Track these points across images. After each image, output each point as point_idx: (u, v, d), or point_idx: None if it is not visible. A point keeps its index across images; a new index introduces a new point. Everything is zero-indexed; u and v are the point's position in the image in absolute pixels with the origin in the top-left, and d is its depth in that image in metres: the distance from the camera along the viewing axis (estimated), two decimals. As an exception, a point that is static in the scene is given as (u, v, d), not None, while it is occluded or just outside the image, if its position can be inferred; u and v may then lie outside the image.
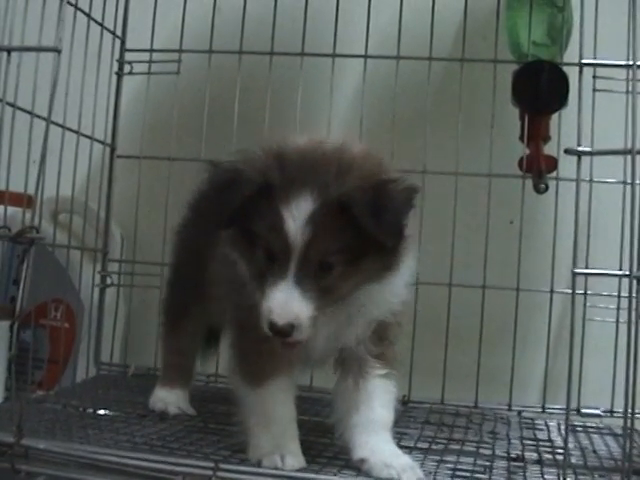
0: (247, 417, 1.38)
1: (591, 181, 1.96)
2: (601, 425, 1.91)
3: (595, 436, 1.82)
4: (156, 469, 1.25)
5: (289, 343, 1.26)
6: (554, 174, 1.97)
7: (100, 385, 1.98)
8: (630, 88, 1.89)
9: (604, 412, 1.93)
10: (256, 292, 1.29)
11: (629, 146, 1.23)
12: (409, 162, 1.98)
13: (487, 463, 1.50)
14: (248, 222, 1.27)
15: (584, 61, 1.37)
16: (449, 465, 1.46)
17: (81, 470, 1.29)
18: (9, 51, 1.39)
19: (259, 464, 1.31)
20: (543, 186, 1.93)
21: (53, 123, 1.68)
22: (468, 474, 1.41)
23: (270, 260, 1.25)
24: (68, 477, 1.30)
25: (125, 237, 2.22)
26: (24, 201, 1.56)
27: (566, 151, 1.28)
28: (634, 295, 1.18)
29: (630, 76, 1.66)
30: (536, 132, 1.97)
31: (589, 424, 1.91)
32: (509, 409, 1.98)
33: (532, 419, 1.94)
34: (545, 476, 1.44)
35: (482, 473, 1.42)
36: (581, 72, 1.33)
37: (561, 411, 1.96)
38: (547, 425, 1.89)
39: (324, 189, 1.23)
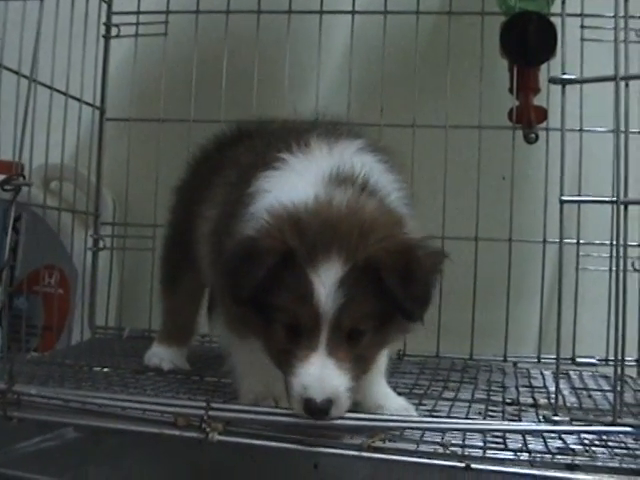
0: (237, 367, 1.38)
1: (581, 130, 1.96)
2: (597, 373, 1.91)
3: (590, 382, 1.83)
4: (148, 410, 1.25)
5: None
6: (544, 125, 1.96)
7: (95, 347, 1.98)
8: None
9: (599, 360, 1.93)
10: (279, 370, 1.23)
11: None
12: (399, 117, 2.00)
13: (482, 406, 1.50)
14: (266, 296, 1.19)
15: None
16: (444, 408, 1.46)
17: (73, 415, 1.29)
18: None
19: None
20: (533, 136, 1.93)
21: (40, 83, 1.71)
22: (463, 416, 1.41)
23: (294, 333, 1.18)
24: (60, 422, 1.32)
25: (116, 200, 2.21)
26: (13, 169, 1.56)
27: (551, 80, 1.27)
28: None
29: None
30: (525, 83, 1.96)
31: (585, 373, 1.91)
32: (504, 360, 1.99)
33: (528, 369, 1.95)
34: (540, 417, 1.43)
35: (478, 414, 1.43)
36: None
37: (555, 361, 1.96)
38: (542, 374, 1.90)
39: (351, 252, 1.17)
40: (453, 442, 1.19)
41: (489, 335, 1.99)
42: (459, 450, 1.18)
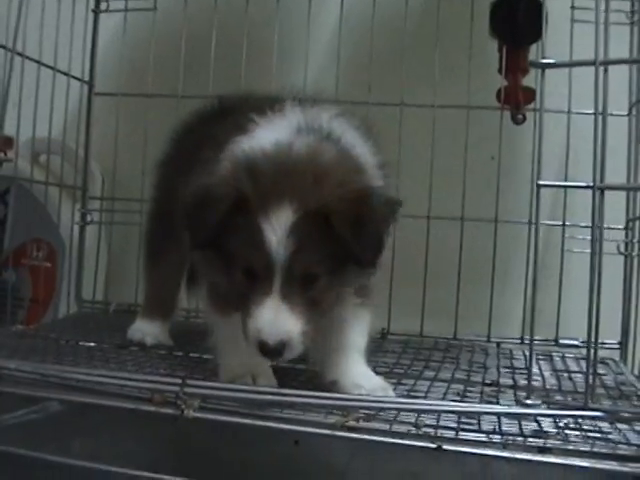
0: (218, 344, 1.39)
1: (569, 112, 1.96)
2: (579, 356, 1.92)
3: (572, 364, 1.83)
4: (124, 386, 1.25)
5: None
6: (532, 106, 1.96)
7: (80, 321, 2.00)
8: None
9: (582, 342, 1.94)
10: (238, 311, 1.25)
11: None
12: (387, 95, 2.00)
13: (461, 387, 1.50)
14: (223, 241, 1.22)
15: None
16: (422, 389, 1.47)
17: (51, 390, 1.30)
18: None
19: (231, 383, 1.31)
20: (521, 117, 1.93)
21: (22, 55, 1.71)
22: (440, 397, 1.42)
23: (251, 278, 1.21)
24: (39, 397, 1.33)
25: (105, 175, 2.21)
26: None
27: (531, 64, 1.27)
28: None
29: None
30: (514, 64, 1.96)
31: (568, 355, 1.92)
32: (488, 341, 1.99)
33: (511, 350, 1.95)
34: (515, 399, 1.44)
35: (456, 396, 1.43)
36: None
37: (540, 342, 1.97)
38: (525, 355, 1.90)
39: (303, 199, 1.18)
40: (427, 423, 1.20)
41: (474, 315, 1.99)
42: (432, 431, 1.18)
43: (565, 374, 1.71)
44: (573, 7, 1.95)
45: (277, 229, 1.18)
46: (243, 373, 1.32)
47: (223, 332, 1.38)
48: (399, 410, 1.22)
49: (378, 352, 1.81)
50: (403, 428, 1.19)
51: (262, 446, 1.42)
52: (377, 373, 1.49)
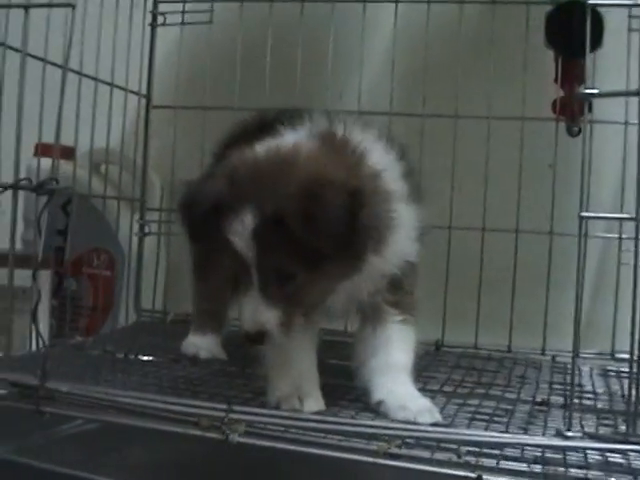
0: (267, 365, 1.41)
1: (626, 123, 1.93)
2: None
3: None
4: (171, 410, 1.28)
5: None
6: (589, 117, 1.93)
7: (138, 331, 2.04)
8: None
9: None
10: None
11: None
12: (441, 107, 1.99)
13: (510, 407, 1.50)
14: (213, 237, 1.30)
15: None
16: (470, 408, 1.47)
17: (102, 412, 1.34)
18: (26, 7, 1.41)
19: (277, 407, 1.34)
20: (576, 129, 1.90)
21: (84, 75, 1.75)
22: (487, 417, 1.41)
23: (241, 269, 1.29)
24: (90, 418, 1.37)
25: (164, 186, 2.25)
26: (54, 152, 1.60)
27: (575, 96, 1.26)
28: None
29: None
30: (570, 74, 1.93)
31: (623, 369, 1.90)
32: (542, 354, 1.97)
33: (565, 364, 1.93)
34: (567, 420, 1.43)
35: (502, 417, 1.43)
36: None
37: (595, 356, 1.96)
38: (579, 370, 1.88)
39: (262, 204, 1.23)
40: (469, 450, 1.21)
41: (529, 327, 1.98)
42: (473, 459, 1.19)
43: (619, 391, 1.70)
44: (630, 16, 1.91)
45: (242, 233, 1.24)
46: (290, 394, 1.35)
47: (273, 355, 1.40)
48: (434, 440, 1.22)
49: (430, 366, 1.82)
50: (444, 456, 1.19)
51: (305, 469, 1.44)
52: (427, 390, 1.52)
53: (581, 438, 1.24)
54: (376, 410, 1.37)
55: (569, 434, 1.24)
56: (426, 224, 1.46)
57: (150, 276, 2.17)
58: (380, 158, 1.35)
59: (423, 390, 1.53)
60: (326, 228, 1.21)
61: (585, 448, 1.22)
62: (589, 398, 1.62)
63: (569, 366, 1.87)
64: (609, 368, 1.90)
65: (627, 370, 1.80)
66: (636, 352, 1.24)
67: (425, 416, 1.33)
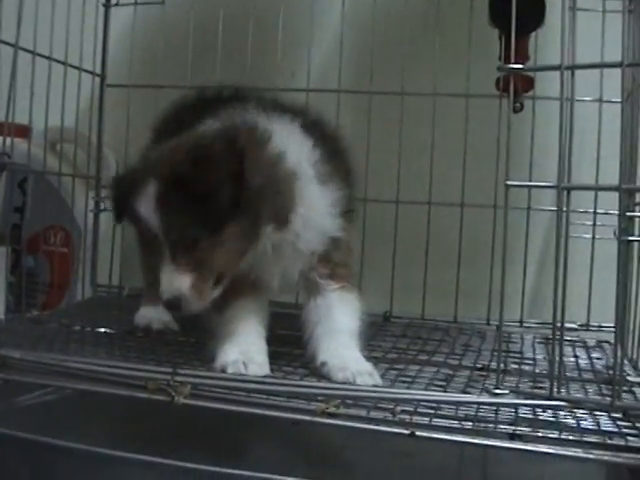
0: (216, 335, 1.47)
1: (571, 99, 1.98)
2: (576, 338, 1.96)
3: (568, 349, 1.87)
4: (120, 375, 1.33)
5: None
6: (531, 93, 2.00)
7: (95, 306, 2.07)
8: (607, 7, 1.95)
9: (580, 326, 1.99)
10: None
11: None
12: (389, 84, 2.05)
13: (450, 372, 1.55)
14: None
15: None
16: (411, 373, 1.52)
17: (54, 377, 1.39)
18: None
19: (223, 371, 1.39)
20: (518, 105, 1.96)
21: (37, 54, 1.78)
22: (427, 381, 1.47)
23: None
24: (41, 384, 1.41)
25: (119, 163, 2.28)
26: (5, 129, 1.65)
27: (498, 68, 1.38)
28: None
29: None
30: (514, 52, 1.98)
31: (565, 337, 1.95)
32: (487, 324, 2.03)
33: (509, 333, 1.99)
34: (504, 384, 1.48)
35: (442, 380, 1.48)
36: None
37: (538, 325, 2.02)
38: (522, 338, 1.95)
39: (159, 175, 1.34)
40: (405, 409, 1.26)
41: (476, 298, 2.03)
42: (407, 418, 1.24)
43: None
44: (571, -5, 1.96)
45: (144, 206, 1.35)
46: (236, 359, 1.40)
47: (221, 326, 1.47)
48: (370, 399, 1.28)
49: (377, 335, 1.88)
50: (380, 415, 1.25)
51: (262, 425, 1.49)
52: (370, 357, 1.57)
53: (507, 395, 1.29)
54: (320, 372, 1.43)
55: (497, 392, 1.29)
56: (351, 203, 1.54)
57: (106, 252, 2.21)
58: (287, 144, 1.43)
59: (367, 358, 1.59)
60: (214, 184, 1.31)
61: (507, 404, 1.29)
62: (528, 364, 1.68)
63: (513, 335, 1.95)
64: (550, 337, 1.95)
65: (567, 339, 1.91)
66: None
67: (364, 377, 1.39)
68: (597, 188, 1.59)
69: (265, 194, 1.37)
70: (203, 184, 1.31)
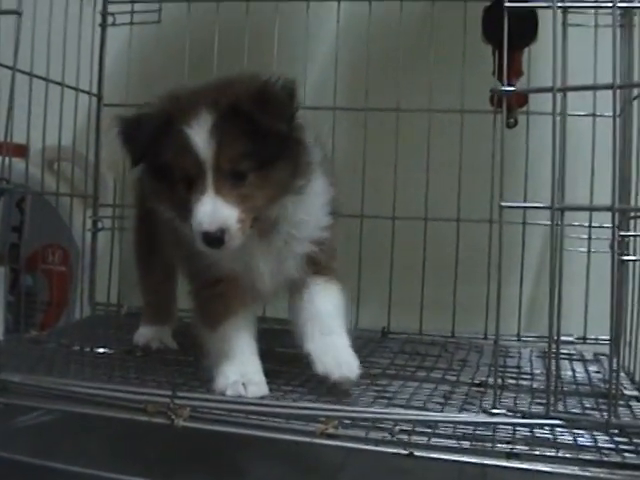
0: (211, 354, 1.50)
1: (563, 114, 1.99)
2: (574, 352, 1.97)
3: (565, 362, 1.89)
4: (119, 398, 1.34)
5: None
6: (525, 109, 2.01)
7: (93, 325, 2.08)
8: (599, 22, 1.96)
9: (577, 339, 2.00)
10: (186, 225, 1.39)
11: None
12: (384, 101, 2.06)
13: (448, 389, 1.57)
14: (160, 157, 1.38)
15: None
16: (409, 390, 1.54)
17: (53, 401, 1.40)
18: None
19: (223, 394, 1.41)
20: (512, 121, 1.96)
21: (34, 76, 1.80)
22: (425, 398, 1.48)
23: (189, 185, 1.36)
24: (42, 407, 1.42)
25: (117, 182, 2.29)
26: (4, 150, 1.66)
27: (491, 91, 1.35)
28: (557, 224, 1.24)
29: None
30: (508, 67, 1.99)
31: (563, 351, 1.97)
32: (485, 338, 2.04)
33: (507, 347, 2.00)
34: (502, 400, 1.49)
35: (440, 398, 1.49)
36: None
37: (536, 339, 2.03)
38: (520, 353, 1.96)
39: (216, 102, 1.35)
40: (403, 428, 1.28)
41: (473, 314, 2.05)
42: (406, 437, 1.26)
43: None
44: (566, 10, 1.98)
45: (199, 132, 1.34)
46: (235, 381, 1.42)
47: (215, 345, 1.49)
48: (368, 420, 1.29)
49: (375, 351, 1.89)
50: (379, 435, 1.27)
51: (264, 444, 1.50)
52: (371, 375, 1.60)
53: (504, 415, 1.30)
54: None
55: (494, 411, 1.30)
56: (338, 207, 1.58)
57: (105, 270, 2.22)
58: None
59: (365, 375, 1.60)
60: (277, 106, 1.36)
61: (503, 423, 1.29)
62: (526, 379, 1.69)
63: (510, 349, 1.96)
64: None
65: (565, 352, 1.92)
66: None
67: (342, 369, 1.44)
68: (590, 209, 1.61)
69: (304, 144, 1.44)
70: (264, 118, 1.34)
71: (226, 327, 1.48)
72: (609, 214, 1.28)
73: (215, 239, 1.33)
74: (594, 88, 1.34)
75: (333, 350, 1.47)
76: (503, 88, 1.33)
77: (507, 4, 1.35)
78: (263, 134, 1.35)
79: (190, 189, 1.36)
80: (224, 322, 1.48)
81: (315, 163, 1.48)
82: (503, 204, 1.27)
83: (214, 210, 1.33)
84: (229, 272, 1.49)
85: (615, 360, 1.47)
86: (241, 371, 1.44)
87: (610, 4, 1.26)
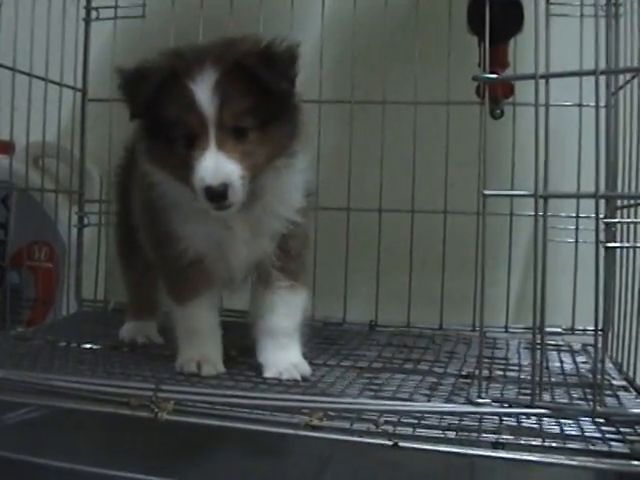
0: (177, 332, 1.55)
1: (546, 102, 1.99)
2: (562, 342, 1.97)
3: (554, 353, 1.88)
4: (102, 392, 1.33)
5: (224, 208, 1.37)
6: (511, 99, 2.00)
7: (80, 321, 2.07)
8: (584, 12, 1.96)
9: (565, 330, 1.99)
10: (184, 185, 1.39)
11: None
12: (370, 94, 2.05)
13: (435, 380, 1.56)
14: (161, 112, 1.38)
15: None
16: (395, 382, 1.53)
17: (36, 396, 1.38)
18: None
19: (181, 371, 1.48)
20: (498, 112, 1.97)
21: (18, 71, 1.79)
22: (412, 390, 1.47)
23: (190, 142, 1.36)
24: (25, 402, 1.41)
25: (103, 177, 2.28)
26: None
27: (473, 78, 1.35)
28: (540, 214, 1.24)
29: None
30: (493, 59, 1.99)
31: (550, 342, 1.97)
32: (473, 330, 2.04)
33: (495, 339, 2.00)
34: (489, 391, 1.48)
35: (427, 389, 1.48)
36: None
37: (523, 330, 2.03)
38: (507, 344, 1.96)
39: (220, 59, 1.36)
40: (388, 419, 1.27)
41: (461, 304, 2.04)
42: (390, 428, 1.25)
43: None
44: (548, 2, 1.97)
45: (203, 88, 1.34)
46: (191, 358, 1.49)
47: (180, 322, 1.55)
48: (350, 411, 1.28)
49: (363, 344, 1.88)
50: (364, 426, 1.26)
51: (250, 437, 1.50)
52: (356, 367, 1.59)
53: (489, 405, 1.29)
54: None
55: (480, 401, 1.30)
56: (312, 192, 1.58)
57: (92, 266, 2.21)
58: None
59: (352, 367, 1.60)
60: (282, 66, 1.38)
61: (489, 413, 1.28)
62: (513, 370, 1.68)
63: (498, 341, 1.96)
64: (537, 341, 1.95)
65: (552, 343, 1.92)
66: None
67: (291, 372, 1.48)
68: (574, 196, 1.60)
69: (301, 109, 1.46)
70: (269, 76, 1.36)
71: (191, 307, 1.53)
72: (596, 204, 1.28)
73: (218, 194, 1.33)
74: (577, 74, 1.33)
75: (284, 362, 1.50)
76: (485, 75, 1.31)
77: (484, -7, 1.32)
78: (266, 92, 1.36)
79: (191, 146, 1.36)
80: (189, 302, 1.53)
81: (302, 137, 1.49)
82: (486, 192, 1.26)
83: (217, 165, 1.33)
84: (201, 251, 1.50)
85: (601, 350, 1.46)
86: (199, 350, 1.50)
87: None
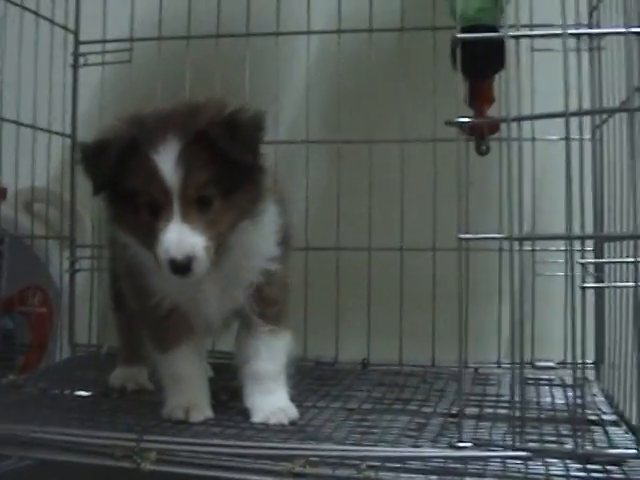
0: (162, 380, 1.55)
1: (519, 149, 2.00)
2: (553, 377, 1.96)
3: (545, 388, 1.87)
4: (86, 443, 1.33)
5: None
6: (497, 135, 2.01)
7: (72, 366, 2.07)
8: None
9: (558, 364, 1.99)
10: (149, 252, 1.38)
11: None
12: (357, 133, 2.06)
13: (423, 421, 1.55)
14: (123, 183, 1.37)
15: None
16: (383, 424, 1.52)
17: (20, 447, 1.39)
18: None
19: (169, 419, 1.48)
20: (484, 148, 1.97)
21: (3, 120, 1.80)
22: (399, 431, 1.47)
23: (154, 211, 1.35)
24: (12, 455, 1.41)
25: (95, 222, 2.29)
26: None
27: (446, 123, 1.34)
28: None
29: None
30: (479, 95, 2.00)
31: (543, 376, 1.96)
32: (465, 366, 2.02)
33: (487, 375, 1.99)
34: (478, 430, 1.48)
35: (414, 431, 1.48)
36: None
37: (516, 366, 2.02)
38: (499, 380, 1.95)
39: (183, 129, 1.34)
40: (371, 464, 1.27)
41: (452, 341, 2.03)
42: (373, 474, 1.24)
43: (534, 399, 1.76)
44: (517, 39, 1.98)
45: (166, 159, 1.33)
46: (178, 405, 1.49)
47: (165, 370, 1.55)
48: (334, 457, 1.28)
49: (354, 384, 1.88)
50: (346, 472, 1.26)
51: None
52: (345, 409, 1.61)
53: (469, 448, 1.29)
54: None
55: (460, 445, 1.29)
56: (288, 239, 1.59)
57: (85, 311, 2.21)
58: None
59: (342, 409, 1.60)
60: (246, 137, 1.37)
61: (471, 457, 1.28)
62: (503, 407, 1.67)
63: (490, 377, 1.95)
64: (529, 376, 1.95)
65: (546, 378, 1.91)
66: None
67: (279, 416, 1.48)
68: (548, 237, 1.60)
69: (265, 171, 1.45)
70: (232, 148, 1.34)
71: (173, 355, 1.53)
72: (570, 245, 1.28)
73: (182, 267, 1.33)
74: (547, 116, 1.33)
75: (271, 406, 1.51)
76: (458, 120, 1.32)
77: (458, 35, 1.33)
78: (229, 161, 1.35)
79: (155, 215, 1.35)
80: (171, 350, 1.52)
81: (270, 189, 1.49)
82: (461, 236, 1.27)
83: (181, 237, 1.33)
84: (176, 303, 1.51)
85: (580, 388, 1.47)
86: (186, 397, 1.51)
87: (560, 31, 1.24)
